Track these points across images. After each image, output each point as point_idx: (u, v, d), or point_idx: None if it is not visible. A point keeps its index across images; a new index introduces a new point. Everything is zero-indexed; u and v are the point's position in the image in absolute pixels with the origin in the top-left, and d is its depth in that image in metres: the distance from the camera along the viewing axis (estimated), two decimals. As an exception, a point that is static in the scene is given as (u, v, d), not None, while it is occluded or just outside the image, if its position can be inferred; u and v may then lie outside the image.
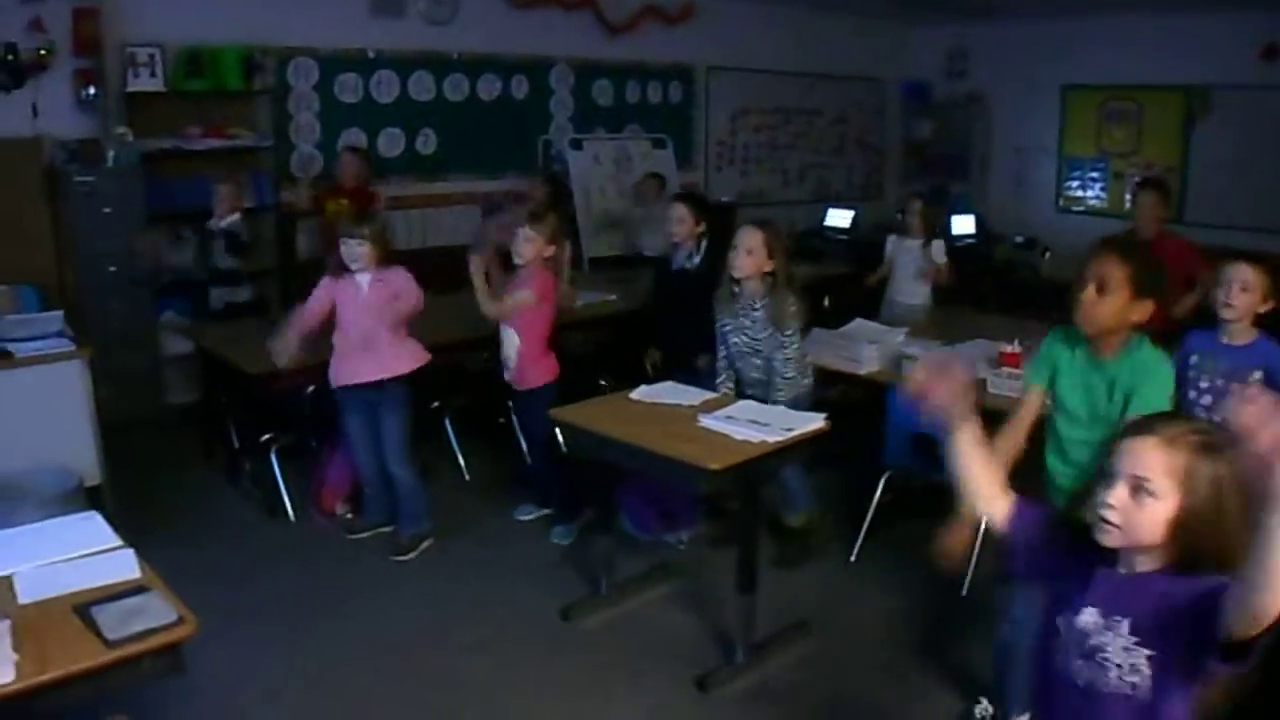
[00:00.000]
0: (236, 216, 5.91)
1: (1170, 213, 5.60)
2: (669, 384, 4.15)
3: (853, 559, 4.53)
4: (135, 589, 2.39)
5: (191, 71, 6.34)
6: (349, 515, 4.79)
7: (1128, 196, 9.43)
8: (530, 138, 8.22)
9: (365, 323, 4.28)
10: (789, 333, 4.17)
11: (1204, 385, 3.49)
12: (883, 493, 4.50)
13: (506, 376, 4.67)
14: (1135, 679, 1.69)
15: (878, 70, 10.58)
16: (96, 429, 4.43)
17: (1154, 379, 2.73)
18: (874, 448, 4.48)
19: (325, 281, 4.37)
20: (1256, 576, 1.46)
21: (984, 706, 3.34)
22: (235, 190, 6.01)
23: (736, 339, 4.31)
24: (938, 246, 6.05)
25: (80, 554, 2.57)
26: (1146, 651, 1.68)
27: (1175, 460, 1.65)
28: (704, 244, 4.96)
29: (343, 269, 4.29)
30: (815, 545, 4.57)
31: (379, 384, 4.34)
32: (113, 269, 5.90)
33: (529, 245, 4.47)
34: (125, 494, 4.60)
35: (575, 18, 8.15)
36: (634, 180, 8.27)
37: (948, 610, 4.11)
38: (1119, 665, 1.70)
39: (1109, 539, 1.70)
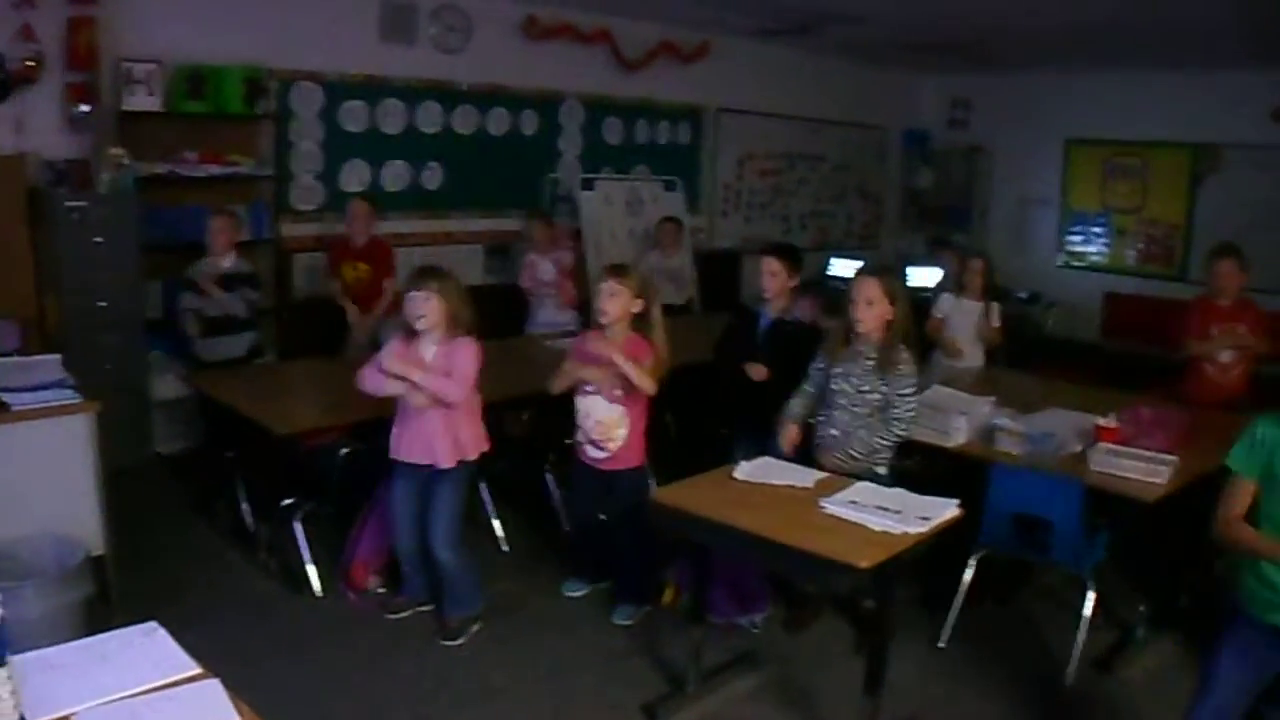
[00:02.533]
0: (233, 255, 5.40)
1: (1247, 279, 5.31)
2: (770, 461, 3.72)
3: (942, 644, 4.14)
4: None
5: (191, 91, 5.82)
6: (381, 590, 4.27)
7: (1129, 253, 9.38)
8: (537, 175, 7.79)
9: (420, 395, 3.77)
10: (907, 384, 3.84)
11: None
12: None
13: (595, 456, 4.17)
14: None
15: (880, 118, 10.39)
16: (101, 493, 3.86)
17: None
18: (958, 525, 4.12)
19: (394, 344, 3.86)
20: None
21: None
22: (233, 223, 5.49)
23: (838, 386, 3.92)
24: (995, 308, 5.74)
25: (152, 686, 2.05)
26: None
27: None
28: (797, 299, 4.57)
29: (411, 331, 3.79)
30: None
31: (431, 465, 3.84)
32: (102, 304, 5.32)
33: (614, 300, 3.99)
34: (125, 563, 4.03)
35: (590, 52, 7.76)
36: (643, 223, 7.92)
37: (1056, 700, 3.81)
38: None
39: None
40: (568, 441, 4.52)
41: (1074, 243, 9.83)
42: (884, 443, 3.87)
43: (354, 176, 6.76)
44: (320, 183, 6.64)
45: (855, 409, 3.87)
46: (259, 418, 4.12)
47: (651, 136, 8.53)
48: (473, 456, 3.88)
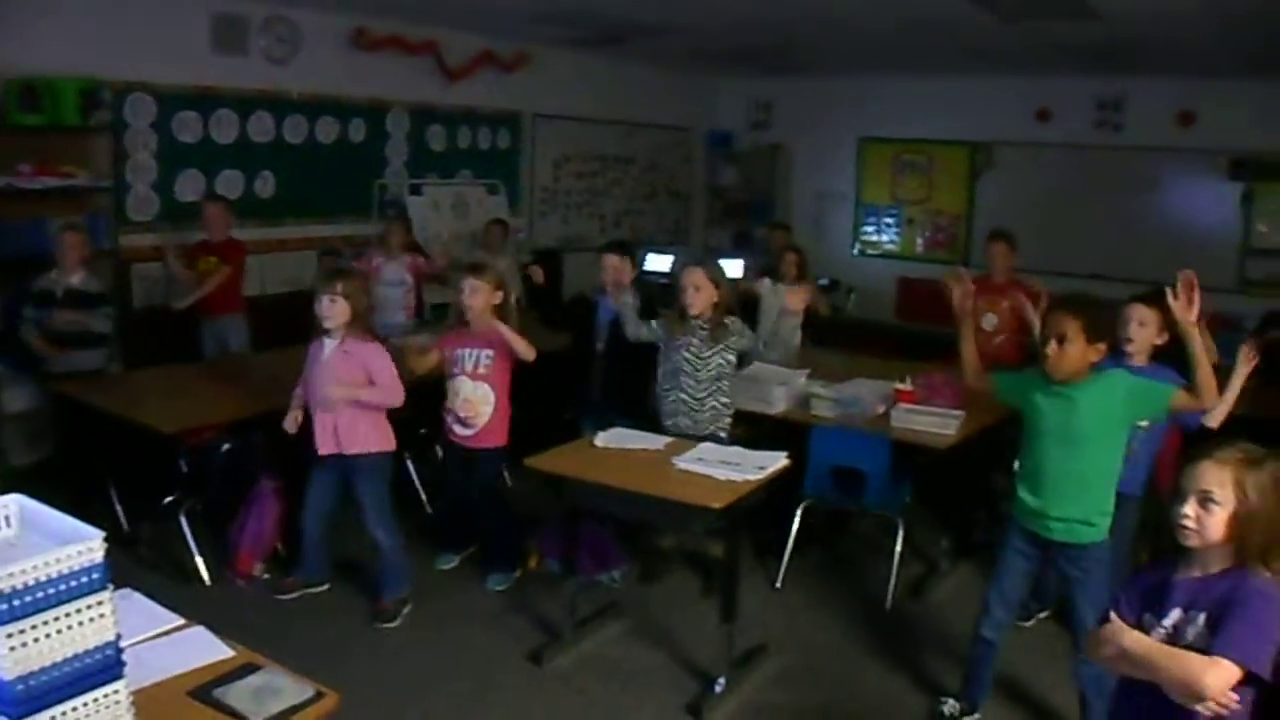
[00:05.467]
0: (83, 272, 5.48)
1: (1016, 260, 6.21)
2: (623, 430, 4.25)
3: (778, 585, 4.78)
4: (244, 667, 2.25)
5: (25, 104, 5.84)
6: (266, 575, 4.56)
7: (918, 241, 10.41)
8: (366, 182, 8.05)
9: (322, 388, 4.12)
10: (742, 335, 4.53)
11: None
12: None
13: (462, 433, 4.59)
14: None
15: (686, 120, 11.08)
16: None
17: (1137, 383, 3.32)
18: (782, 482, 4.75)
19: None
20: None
21: (950, 704, 3.68)
22: (83, 240, 5.53)
23: (680, 359, 4.50)
24: (813, 289, 6.51)
25: (145, 637, 2.38)
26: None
27: (1227, 474, 2.11)
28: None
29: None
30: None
31: (339, 454, 4.19)
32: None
33: (477, 296, 4.43)
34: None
35: (415, 62, 8.08)
36: (470, 226, 8.30)
37: (879, 624, 4.49)
38: (1198, 650, 2.06)
39: (1189, 541, 2.14)
40: (423, 431, 4.97)
41: (868, 233, 10.78)
42: (725, 408, 4.47)
43: (189, 186, 6.86)
44: (155, 193, 6.73)
45: (699, 375, 4.46)
46: (142, 419, 4.34)
47: (474, 142, 8.91)
48: (357, 450, 4.20)
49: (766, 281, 6.43)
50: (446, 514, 5.06)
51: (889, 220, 10.64)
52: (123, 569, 4.51)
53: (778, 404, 5.04)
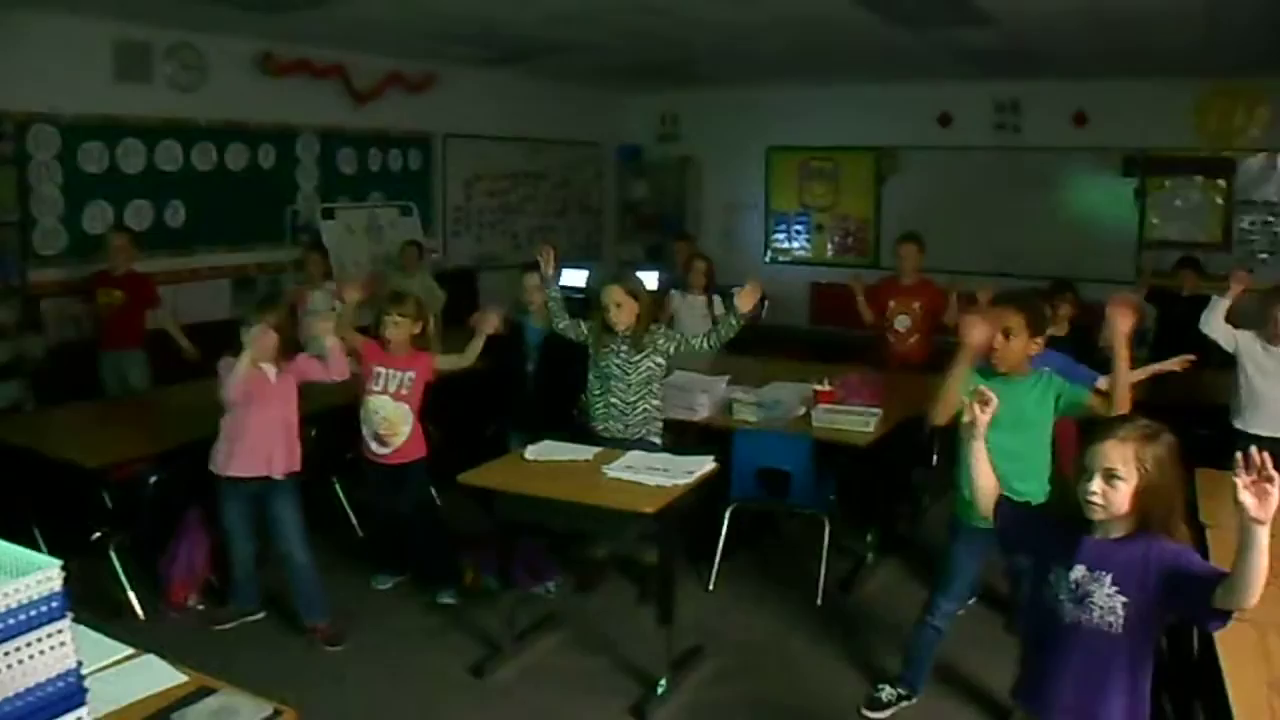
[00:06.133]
0: None
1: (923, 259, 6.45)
2: (551, 443, 4.33)
3: (710, 587, 4.89)
4: (199, 690, 2.28)
5: (-79, 141, 5.73)
6: (200, 606, 4.54)
7: (829, 246, 10.66)
8: (278, 208, 8.00)
9: (269, 414, 4.17)
10: (670, 338, 4.64)
11: None
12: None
13: (381, 452, 4.64)
14: (1112, 619, 2.29)
15: (595, 135, 11.19)
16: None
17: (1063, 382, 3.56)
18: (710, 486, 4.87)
19: (223, 364, 4.18)
20: (1239, 579, 2.05)
21: (887, 690, 3.84)
22: None
23: (609, 367, 4.59)
24: (719, 301, 6.61)
25: (96, 668, 2.38)
26: (1123, 598, 2.28)
27: (1129, 450, 2.28)
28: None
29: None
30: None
31: (267, 476, 4.21)
32: None
33: (399, 329, 4.56)
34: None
35: (323, 85, 8.06)
36: (384, 248, 8.30)
37: (811, 619, 4.64)
38: (1100, 607, 2.30)
39: (1096, 515, 2.31)
40: (349, 455, 5.01)
41: (779, 240, 11.02)
42: (656, 410, 4.58)
43: (97, 218, 6.75)
44: (63, 226, 6.61)
45: (629, 380, 4.56)
46: (65, 455, 4.29)
47: (385, 164, 8.90)
48: (298, 467, 4.27)
49: (674, 294, 6.57)
50: (379, 534, 5.07)
51: (799, 227, 10.89)
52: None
53: (702, 410, 5.17)
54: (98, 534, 4.49)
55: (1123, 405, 3.36)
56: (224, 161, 7.55)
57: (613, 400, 4.59)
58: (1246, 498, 1.96)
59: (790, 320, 10.18)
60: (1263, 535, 1.98)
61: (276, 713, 2.20)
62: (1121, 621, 2.28)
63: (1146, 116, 8.83)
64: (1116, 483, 2.26)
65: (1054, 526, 2.46)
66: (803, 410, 5.11)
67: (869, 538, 5.23)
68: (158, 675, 2.37)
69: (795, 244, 10.94)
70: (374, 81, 8.41)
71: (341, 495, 5.51)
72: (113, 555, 4.48)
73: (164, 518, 4.58)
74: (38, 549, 4.49)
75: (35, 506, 4.75)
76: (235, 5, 6.10)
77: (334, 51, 7.94)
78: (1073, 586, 2.33)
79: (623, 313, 4.52)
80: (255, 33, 7.20)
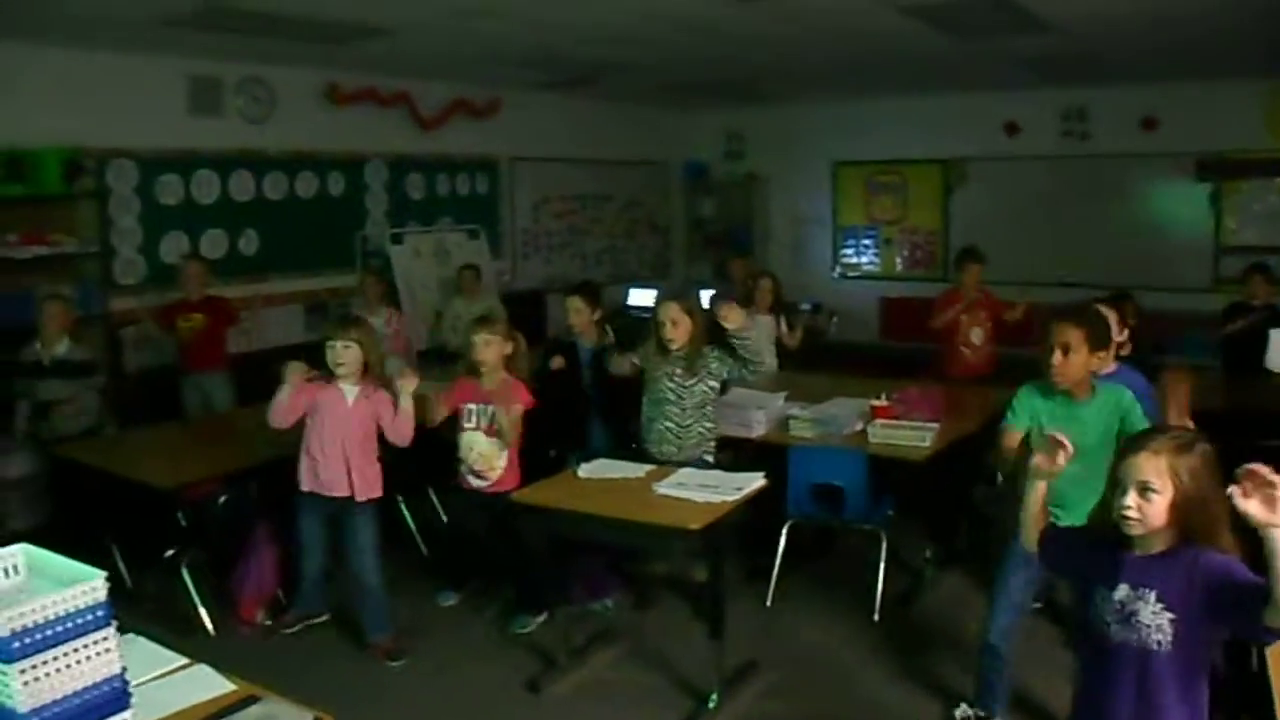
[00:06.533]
0: (67, 341, 5.58)
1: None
2: (605, 461, 4.38)
3: (768, 602, 4.88)
4: (243, 700, 2.36)
5: (9, 175, 6.00)
6: (269, 622, 4.66)
7: (898, 261, 10.59)
8: (348, 234, 8.23)
9: (344, 434, 4.25)
10: (721, 362, 4.59)
11: None
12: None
13: (478, 485, 4.66)
14: (1160, 637, 2.23)
15: (662, 154, 11.31)
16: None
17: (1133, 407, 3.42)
18: (765, 503, 4.86)
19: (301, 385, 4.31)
20: (1276, 592, 1.98)
21: (964, 709, 3.77)
22: (65, 309, 5.65)
23: (664, 389, 4.61)
24: (785, 320, 6.67)
25: (150, 678, 2.48)
26: (1169, 615, 2.22)
27: (1162, 463, 2.22)
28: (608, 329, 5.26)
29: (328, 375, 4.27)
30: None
31: (349, 497, 4.31)
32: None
33: (490, 349, 4.54)
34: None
35: (389, 113, 8.27)
36: (452, 272, 8.44)
37: (868, 635, 4.60)
38: (1148, 626, 2.24)
39: (1133, 530, 2.25)
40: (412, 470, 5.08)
41: (848, 255, 10.98)
42: (710, 431, 4.61)
43: (174, 247, 7.01)
44: (142, 256, 6.88)
45: (684, 404, 4.59)
46: (140, 477, 4.45)
47: (452, 189, 9.09)
48: (378, 493, 4.38)
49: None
50: (445, 551, 5.15)
51: (867, 242, 10.84)
52: (130, 628, 4.66)
53: (758, 428, 5.17)
54: (170, 552, 4.65)
55: None
56: (294, 190, 7.79)
57: (667, 424, 4.61)
58: (1251, 506, 1.93)
59: (861, 336, 10.13)
60: None
61: (317, 720, 2.26)
62: (1170, 639, 2.22)
63: (1218, 119, 8.64)
64: (1151, 495, 2.21)
65: (1095, 546, 2.41)
66: (859, 426, 5.08)
67: (927, 553, 5.17)
68: (206, 684, 2.46)
69: (864, 259, 10.89)
70: (439, 108, 8.60)
71: (407, 514, 5.60)
72: (185, 573, 4.63)
73: (235, 535, 4.71)
74: (116, 567, 4.72)
75: (114, 526, 4.96)
76: (300, 38, 6.30)
77: (398, 80, 8.15)
78: (1118, 607, 2.29)
79: (679, 330, 4.55)
80: (321, 64, 7.42)
